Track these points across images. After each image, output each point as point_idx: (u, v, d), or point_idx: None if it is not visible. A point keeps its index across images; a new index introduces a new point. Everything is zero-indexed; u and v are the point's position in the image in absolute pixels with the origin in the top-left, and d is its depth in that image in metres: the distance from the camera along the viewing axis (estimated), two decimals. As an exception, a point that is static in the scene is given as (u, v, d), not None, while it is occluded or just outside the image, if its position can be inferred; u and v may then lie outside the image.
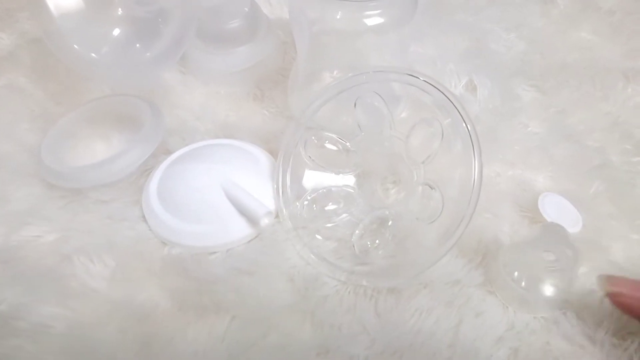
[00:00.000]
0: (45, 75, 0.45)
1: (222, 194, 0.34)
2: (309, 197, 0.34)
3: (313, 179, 0.35)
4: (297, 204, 0.34)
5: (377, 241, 0.33)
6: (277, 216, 0.35)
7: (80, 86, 0.44)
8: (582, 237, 0.33)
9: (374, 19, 0.34)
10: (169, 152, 0.38)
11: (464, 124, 0.31)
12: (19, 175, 0.37)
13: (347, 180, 0.36)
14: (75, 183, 0.34)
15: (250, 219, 0.33)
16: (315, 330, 0.29)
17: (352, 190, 0.35)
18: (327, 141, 0.36)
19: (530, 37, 0.49)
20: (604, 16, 0.51)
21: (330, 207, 0.34)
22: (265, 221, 0.33)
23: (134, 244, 0.33)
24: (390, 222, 0.34)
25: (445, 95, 0.32)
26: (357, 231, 0.34)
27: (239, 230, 0.34)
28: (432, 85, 0.32)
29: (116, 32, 0.32)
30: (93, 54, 0.30)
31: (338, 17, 0.35)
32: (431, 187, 0.32)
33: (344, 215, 0.35)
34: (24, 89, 0.43)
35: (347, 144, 0.35)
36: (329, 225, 0.34)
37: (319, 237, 0.34)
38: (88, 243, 0.33)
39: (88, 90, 0.43)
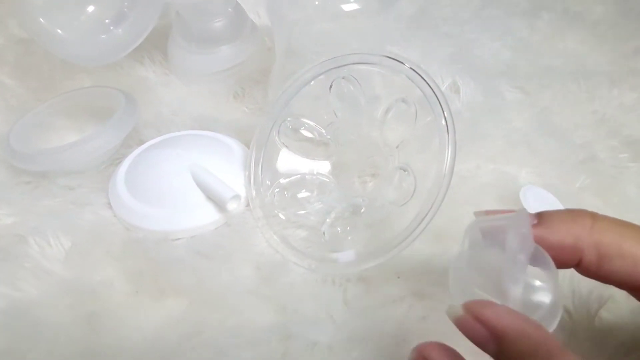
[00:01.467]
0: (28, 73, 0.45)
1: (190, 179, 0.33)
2: (281, 184, 0.33)
3: (286, 166, 0.34)
4: (269, 191, 0.33)
5: (348, 228, 0.32)
6: (247, 205, 0.33)
7: (62, 84, 0.44)
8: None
9: (350, 5, 0.34)
10: (142, 143, 0.37)
11: (438, 104, 0.30)
12: (-16, 161, 0.36)
13: (322, 168, 0.34)
14: (38, 166, 0.33)
15: (218, 202, 0.32)
16: (277, 315, 0.28)
17: (327, 179, 0.34)
18: (302, 127, 0.35)
19: (515, 46, 0.49)
20: (589, 27, 0.51)
21: (303, 194, 0.33)
22: (232, 205, 0.32)
23: (94, 227, 0.32)
24: (363, 209, 0.33)
25: (419, 73, 0.31)
26: (328, 219, 0.33)
27: (206, 216, 0.32)
28: (412, 69, 0.31)
29: (89, 9, 0.32)
30: (59, 30, 0.30)
31: (317, 3, 0.35)
32: (404, 170, 0.31)
33: (317, 203, 0.33)
34: (4, 84, 0.43)
35: (323, 130, 0.35)
36: (301, 212, 0.33)
37: (289, 225, 0.32)
38: (47, 226, 0.31)
39: (69, 87, 0.43)
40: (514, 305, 0.19)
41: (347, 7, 0.35)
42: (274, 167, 0.34)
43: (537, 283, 0.20)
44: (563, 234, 0.20)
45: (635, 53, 0.47)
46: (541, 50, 0.48)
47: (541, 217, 0.21)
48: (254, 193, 0.33)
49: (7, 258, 0.30)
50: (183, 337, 0.26)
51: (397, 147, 0.33)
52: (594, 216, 0.21)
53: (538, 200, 0.33)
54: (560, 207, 0.33)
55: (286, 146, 0.34)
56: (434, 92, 0.30)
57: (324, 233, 0.32)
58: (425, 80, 0.30)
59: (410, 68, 0.31)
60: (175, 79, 0.45)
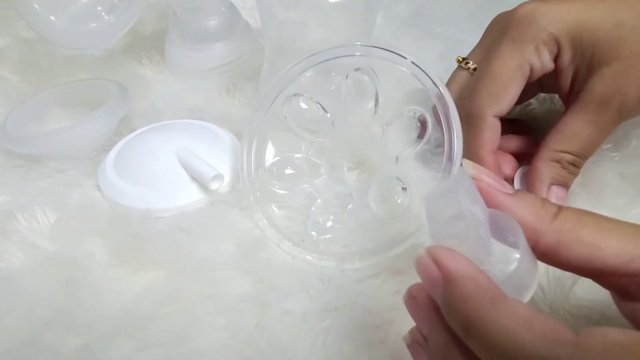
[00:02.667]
0: (29, 69, 0.46)
1: (176, 161, 0.34)
2: (271, 161, 0.33)
3: (279, 145, 0.34)
4: (259, 169, 0.33)
5: (329, 222, 0.32)
6: (232, 187, 0.34)
7: (61, 80, 0.45)
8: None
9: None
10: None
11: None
12: (-16, 148, 0.38)
13: (314, 150, 0.35)
14: (30, 148, 0.35)
15: (201, 182, 0.33)
16: (253, 286, 0.28)
17: (318, 162, 0.34)
18: (306, 105, 0.34)
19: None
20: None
21: (290, 171, 0.33)
22: (215, 184, 0.32)
23: (81, 205, 0.33)
24: (350, 206, 0.33)
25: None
26: (313, 207, 0.33)
27: (190, 195, 0.33)
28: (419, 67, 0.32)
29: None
30: (52, 17, 0.32)
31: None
32: (402, 185, 0.32)
33: (305, 185, 0.33)
34: (6, 78, 0.45)
35: (328, 114, 0.35)
36: (283, 192, 0.33)
37: (274, 206, 0.33)
38: (35, 203, 0.32)
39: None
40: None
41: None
42: (265, 146, 0.34)
43: (502, 249, 0.20)
44: (527, 212, 0.20)
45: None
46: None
47: (516, 193, 0.21)
48: (244, 170, 0.33)
49: (-4, 232, 0.31)
50: (158, 305, 0.27)
51: (397, 156, 0.33)
52: (560, 206, 0.21)
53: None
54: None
55: (287, 119, 0.34)
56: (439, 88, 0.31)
57: (308, 216, 0.32)
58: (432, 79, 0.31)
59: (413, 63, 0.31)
60: (171, 75, 0.46)
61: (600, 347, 0.15)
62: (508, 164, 0.33)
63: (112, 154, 0.36)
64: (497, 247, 0.20)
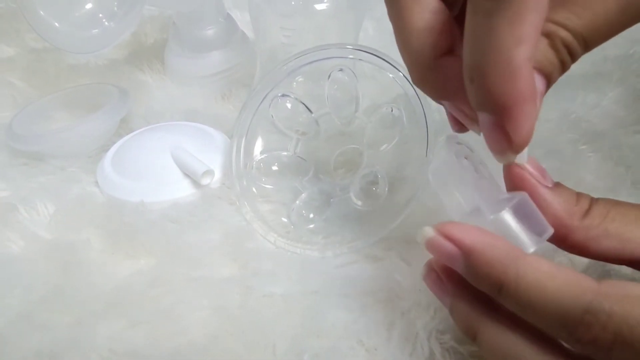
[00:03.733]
0: (36, 76, 0.49)
1: (169, 158, 0.36)
2: (259, 158, 0.35)
3: (267, 143, 0.36)
4: (247, 164, 0.35)
5: (311, 215, 0.34)
6: (223, 183, 0.36)
7: (66, 85, 0.48)
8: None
9: (322, 4, 0.38)
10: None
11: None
12: (-10, 147, 0.40)
13: (300, 147, 0.36)
14: (33, 146, 0.37)
15: (192, 177, 0.35)
16: (238, 271, 0.30)
17: (304, 160, 0.36)
18: (292, 105, 0.36)
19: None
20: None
21: (276, 167, 0.35)
22: (205, 179, 0.34)
23: (79, 199, 0.35)
24: (332, 200, 0.35)
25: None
26: (297, 201, 0.35)
27: (182, 190, 0.35)
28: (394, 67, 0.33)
29: (87, 6, 0.36)
30: (56, 23, 0.34)
31: (293, 3, 0.39)
32: (379, 176, 0.33)
33: (291, 181, 0.35)
34: (13, 84, 0.48)
35: (312, 114, 0.36)
36: (270, 187, 0.35)
37: (261, 200, 0.34)
38: (37, 197, 0.34)
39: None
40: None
41: (319, 7, 0.38)
42: (254, 144, 0.35)
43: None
44: (561, 208, 0.21)
45: (604, 60, 0.49)
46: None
47: (555, 186, 0.21)
48: (233, 165, 0.34)
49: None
50: (147, 287, 0.28)
51: (378, 150, 0.35)
52: (592, 202, 0.21)
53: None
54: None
55: (274, 118, 0.35)
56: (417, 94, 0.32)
57: (292, 210, 0.34)
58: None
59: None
60: (170, 82, 0.49)
61: (620, 295, 0.17)
62: None
63: (110, 152, 0.38)
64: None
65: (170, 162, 0.35)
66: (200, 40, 0.47)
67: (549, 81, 0.20)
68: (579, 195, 0.21)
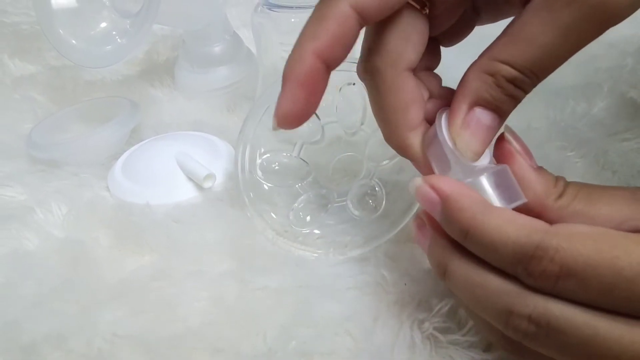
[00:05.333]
0: (55, 91, 0.52)
1: (175, 164, 0.38)
2: (262, 158, 0.37)
3: (269, 149, 0.37)
4: (250, 166, 0.36)
5: (308, 217, 0.36)
6: (224, 188, 0.38)
7: (82, 99, 0.51)
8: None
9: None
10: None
11: None
12: (10, 155, 0.43)
13: (304, 152, 0.37)
14: (49, 154, 0.40)
15: (195, 180, 0.37)
16: (235, 266, 0.32)
17: (305, 163, 0.37)
18: None
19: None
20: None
21: (278, 167, 0.37)
22: (208, 183, 0.37)
23: (91, 201, 0.37)
24: (329, 206, 0.37)
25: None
26: (296, 204, 0.37)
27: (186, 192, 0.37)
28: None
29: (102, 25, 0.39)
30: (73, 40, 0.37)
31: (292, 20, 0.41)
32: (377, 189, 0.35)
33: (291, 182, 0.37)
34: (34, 98, 0.51)
35: (320, 121, 0.37)
36: (272, 186, 0.36)
37: (262, 199, 0.36)
38: (52, 200, 0.37)
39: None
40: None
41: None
42: (257, 150, 0.37)
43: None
44: (541, 188, 0.22)
45: (596, 71, 0.51)
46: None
47: (538, 168, 0.23)
48: (238, 165, 0.36)
49: (17, 222, 0.35)
50: (150, 279, 0.30)
51: (379, 164, 0.36)
52: (566, 185, 0.22)
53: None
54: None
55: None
56: None
57: (291, 211, 0.36)
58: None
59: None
60: (179, 96, 0.52)
61: (567, 232, 0.19)
62: None
63: (121, 159, 0.40)
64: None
65: (175, 168, 0.38)
66: (208, 56, 0.50)
67: (500, 115, 0.22)
68: (557, 178, 0.23)
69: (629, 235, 0.19)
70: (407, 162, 0.36)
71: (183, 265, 0.31)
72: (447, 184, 0.22)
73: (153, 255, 0.33)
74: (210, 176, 0.37)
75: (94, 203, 0.37)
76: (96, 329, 0.27)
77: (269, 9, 0.41)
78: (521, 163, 0.23)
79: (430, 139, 0.24)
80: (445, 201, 0.21)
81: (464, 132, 0.22)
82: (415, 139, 0.24)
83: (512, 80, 0.21)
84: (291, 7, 0.40)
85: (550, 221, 0.22)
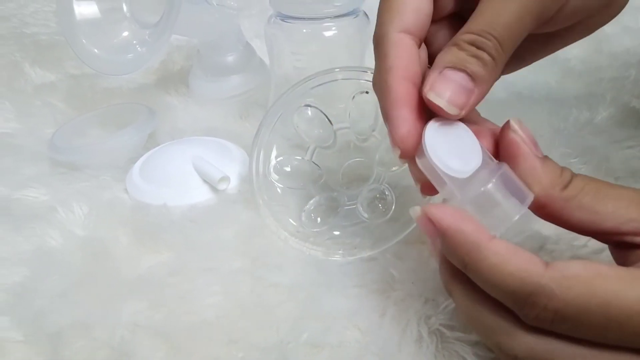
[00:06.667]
0: (74, 98, 0.54)
1: (191, 167, 0.40)
2: (276, 160, 0.38)
3: (282, 153, 0.38)
4: (265, 169, 0.37)
5: (319, 219, 0.37)
6: (239, 190, 0.39)
7: (100, 106, 0.53)
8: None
9: (330, 31, 0.42)
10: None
11: None
12: (33, 159, 0.45)
13: (316, 155, 0.39)
14: (70, 157, 0.41)
15: (210, 183, 0.38)
16: (248, 263, 0.33)
17: (317, 167, 0.39)
18: (314, 115, 0.39)
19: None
20: (562, 63, 0.57)
21: (291, 170, 0.38)
22: (222, 185, 0.38)
23: (110, 202, 0.39)
24: (339, 209, 0.38)
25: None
26: (307, 205, 0.38)
27: (201, 195, 0.39)
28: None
29: (124, 34, 0.41)
30: (95, 50, 0.39)
31: (304, 31, 0.43)
32: (387, 195, 0.36)
33: (303, 184, 0.38)
34: (54, 105, 0.53)
35: (332, 126, 0.39)
36: (285, 188, 0.37)
37: (275, 200, 0.37)
38: (73, 200, 0.38)
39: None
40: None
41: (327, 34, 0.43)
42: (271, 155, 0.38)
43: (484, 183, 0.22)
44: (546, 178, 0.22)
45: (599, 82, 0.52)
46: (515, 82, 0.54)
47: (544, 158, 0.23)
48: (253, 167, 0.37)
49: (41, 221, 0.37)
50: (167, 276, 0.32)
51: (389, 170, 0.38)
52: (573, 176, 0.23)
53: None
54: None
55: (297, 128, 0.38)
56: None
57: (303, 212, 0.37)
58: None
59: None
60: (193, 103, 0.53)
61: (560, 276, 0.19)
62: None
63: (139, 163, 0.42)
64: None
65: (191, 171, 0.39)
66: (222, 65, 0.52)
67: (471, 77, 0.23)
68: (562, 169, 0.23)
69: (621, 274, 0.19)
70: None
71: (198, 262, 0.33)
72: (444, 215, 0.22)
73: (170, 253, 0.34)
74: (224, 179, 0.38)
75: (113, 204, 0.38)
76: (118, 320, 0.28)
77: (282, 20, 0.43)
78: (527, 153, 0.23)
79: (422, 153, 0.24)
80: (443, 236, 0.22)
81: (437, 85, 0.23)
82: (398, 87, 0.24)
83: (472, 42, 0.23)
84: (303, 19, 0.42)
85: (554, 212, 0.22)
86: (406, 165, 0.36)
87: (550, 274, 0.19)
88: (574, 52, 0.59)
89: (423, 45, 0.26)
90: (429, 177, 0.24)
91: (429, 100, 0.23)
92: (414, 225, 0.34)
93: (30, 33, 0.73)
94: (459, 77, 0.23)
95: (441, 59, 0.23)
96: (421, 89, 0.23)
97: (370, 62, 0.51)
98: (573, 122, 0.46)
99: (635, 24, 0.63)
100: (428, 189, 0.26)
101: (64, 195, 0.40)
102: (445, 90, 0.22)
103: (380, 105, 0.25)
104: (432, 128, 0.23)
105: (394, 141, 0.24)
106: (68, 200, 0.38)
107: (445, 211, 0.22)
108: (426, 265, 0.32)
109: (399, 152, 0.24)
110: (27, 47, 0.68)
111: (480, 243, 0.21)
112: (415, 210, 0.23)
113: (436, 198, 0.29)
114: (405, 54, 0.24)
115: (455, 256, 0.22)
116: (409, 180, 0.37)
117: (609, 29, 0.62)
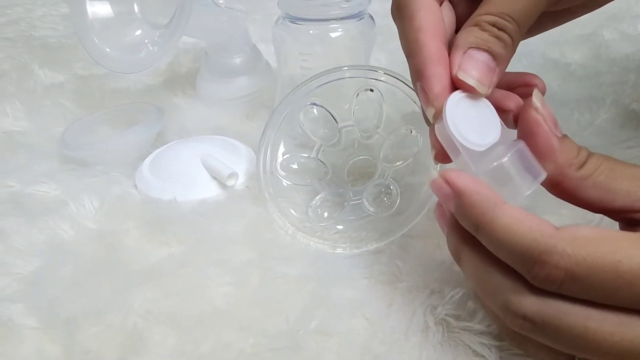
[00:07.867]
0: (83, 98, 0.55)
1: (199, 163, 0.40)
2: (283, 157, 0.39)
3: (289, 151, 0.39)
4: (272, 165, 0.38)
5: (325, 214, 0.38)
6: (247, 186, 0.40)
7: (109, 105, 0.54)
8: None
9: (336, 33, 0.43)
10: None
11: None
12: (45, 155, 0.46)
13: (322, 153, 0.39)
14: (80, 153, 0.42)
15: (219, 178, 0.39)
16: (257, 256, 0.33)
17: (323, 164, 0.39)
18: (320, 113, 0.39)
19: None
20: (563, 67, 0.58)
21: (298, 167, 0.38)
22: (230, 181, 0.39)
23: (121, 197, 0.39)
24: (345, 204, 0.39)
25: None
26: (313, 201, 0.39)
27: (210, 190, 0.39)
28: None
29: (137, 32, 0.42)
30: (107, 49, 0.40)
31: (311, 32, 0.44)
32: (391, 187, 0.37)
33: (310, 181, 0.39)
34: (64, 105, 0.54)
35: (338, 124, 0.39)
36: (292, 184, 0.38)
37: (282, 195, 0.38)
38: (84, 195, 0.39)
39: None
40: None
41: (334, 35, 0.44)
42: (277, 152, 0.38)
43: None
44: (563, 157, 0.23)
45: (599, 86, 0.53)
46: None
47: (562, 137, 0.23)
48: (260, 164, 0.37)
49: (53, 215, 0.37)
50: (178, 267, 0.32)
51: (394, 165, 0.38)
52: (589, 155, 0.23)
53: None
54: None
55: (302, 126, 0.39)
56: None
57: (309, 207, 0.38)
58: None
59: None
60: (201, 104, 0.54)
61: (571, 237, 0.20)
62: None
63: (148, 159, 0.43)
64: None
65: (200, 167, 0.40)
66: (229, 67, 0.53)
67: (494, 56, 0.24)
68: (580, 148, 0.23)
69: (630, 237, 0.20)
70: (419, 164, 0.38)
71: (208, 254, 0.33)
72: (461, 179, 0.22)
73: (180, 246, 0.35)
74: (233, 175, 0.39)
75: (123, 198, 0.39)
76: (131, 307, 0.29)
77: (290, 22, 0.44)
78: (546, 131, 0.23)
79: (441, 122, 0.24)
80: (457, 196, 0.22)
81: (465, 64, 0.24)
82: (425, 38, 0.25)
83: (493, 24, 0.24)
84: (310, 20, 0.43)
85: (568, 189, 0.23)
86: (410, 160, 0.37)
87: (561, 235, 0.20)
88: (574, 57, 0.60)
89: (446, 3, 0.27)
90: (445, 146, 0.25)
91: (459, 79, 0.23)
92: (419, 217, 0.35)
93: (39, 36, 0.74)
94: (484, 57, 0.24)
95: (464, 38, 0.24)
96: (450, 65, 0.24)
97: (374, 63, 0.52)
98: (575, 123, 0.47)
99: (633, 30, 0.64)
100: (442, 156, 0.26)
101: (75, 190, 0.40)
102: (472, 69, 0.24)
103: (410, 65, 0.25)
104: (455, 99, 0.24)
105: (429, 100, 0.24)
106: (79, 195, 0.39)
107: (462, 174, 0.23)
108: (432, 258, 0.32)
109: (432, 112, 0.24)
110: (35, 50, 0.69)
111: (496, 203, 0.22)
112: (433, 174, 0.24)
113: (448, 167, 0.30)
114: (432, 14, 0.25)
115: (470, 217, 0.22)
116: (413, 176, 0.38)
117: (608, 35, 0.64)
